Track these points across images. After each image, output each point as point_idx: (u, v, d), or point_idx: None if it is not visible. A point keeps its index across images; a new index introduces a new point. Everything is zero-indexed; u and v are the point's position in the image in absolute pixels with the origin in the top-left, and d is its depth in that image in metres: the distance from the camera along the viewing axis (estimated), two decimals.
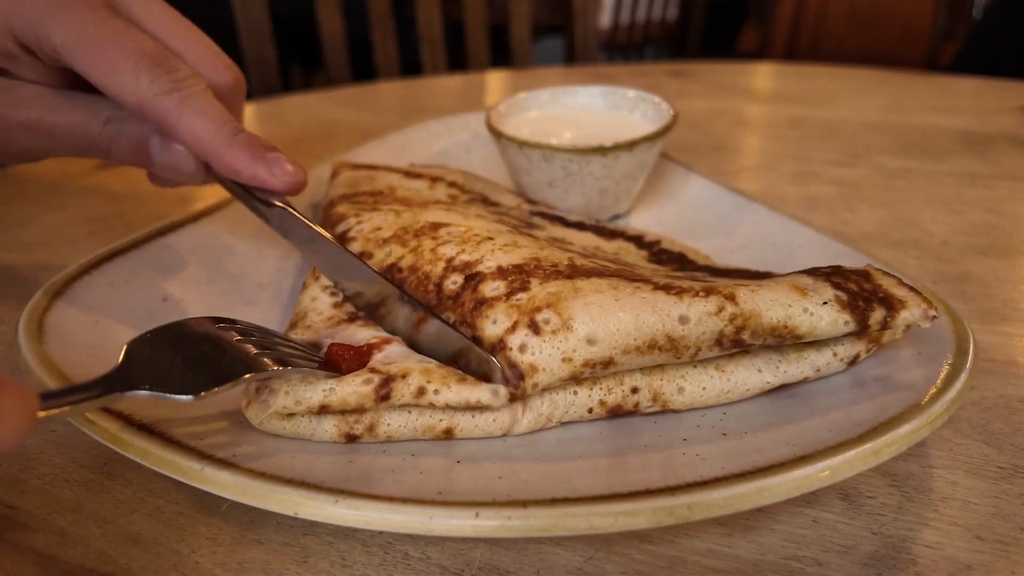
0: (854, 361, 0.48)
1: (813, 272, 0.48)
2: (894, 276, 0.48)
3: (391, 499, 0.37)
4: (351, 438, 0.44)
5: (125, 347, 0.42)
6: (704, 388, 0.47)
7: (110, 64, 0.48)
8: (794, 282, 0.46)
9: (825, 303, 0.45)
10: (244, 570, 0.40)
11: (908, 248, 0.75)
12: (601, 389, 0.46)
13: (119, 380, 0.39)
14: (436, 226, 0.56)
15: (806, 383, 0.48)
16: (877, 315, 0.45)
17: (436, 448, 0.44)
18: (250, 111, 1.29)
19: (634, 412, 0.47)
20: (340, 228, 0.60)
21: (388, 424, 0.44)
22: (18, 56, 0.52)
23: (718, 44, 3.87)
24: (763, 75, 1.51)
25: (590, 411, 0.46)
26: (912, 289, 0.47)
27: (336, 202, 0.65)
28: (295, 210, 0.53)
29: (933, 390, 0.42)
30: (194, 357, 0.42)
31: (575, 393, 0.46)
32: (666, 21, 3.79)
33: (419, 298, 0.50)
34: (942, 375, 0.44)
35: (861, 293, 0.46)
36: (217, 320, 0.46)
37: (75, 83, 0.53)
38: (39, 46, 0.49)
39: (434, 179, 0.75)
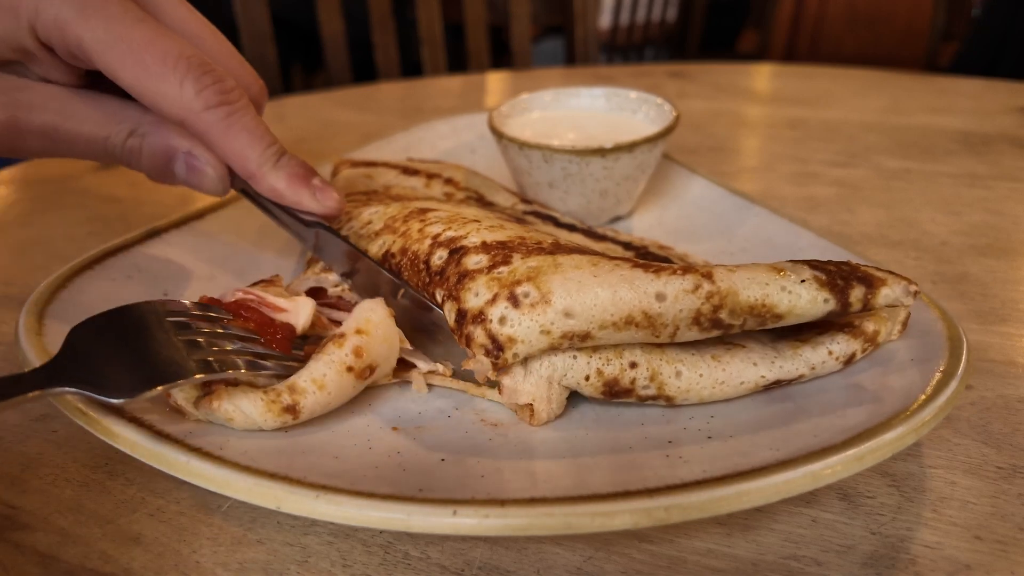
0: (850, 361, 0.48)
1: (793, 260, 0.48)
2: (873, 265, 0.48)
3: (371, 495, 0.37)
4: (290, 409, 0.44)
5: (67, 335, 0.42)
6: (701, 375, 0.47)
7: (150, 70, 0.46)
8: (773, 263, 0.46)
9: (803, 281, 0.45)
10: (245, 570, 0.40)
11: (907, 248, 0.75)
12: (600, 358, 0.47)
13: (49, 376, 0.39)
14: (424, 210, 0.57)
15: (801, 383, 0.48)
16: (857, 292, 0.45)
17: (422, 446, 0.45)
18: None
19: (630, 391, 0.47)
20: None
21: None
22: (36, 54, 0.48)
23: (718, 45, 3.87)
24: (762, 76, 1.51)
25: (587, 378, 0.47)
26: (891, 272, 0.47)
27: None
28: (334, 231, 0.55)
29: (923, 397, 0.42)
30: (135, 351, 0.42)
31: (575, 357, 0.46)
32: (666, 22, 3.79)
33: (410, 277, 0.51)
34: (933, 381, 0.43)
35: (840, 272, 0.46)
36: (171, 305, 0.46)
37: (92, 83, 0.51)
38: (64, 45, 0.46)
39: (431, 175, 0.75)
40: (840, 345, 0.48)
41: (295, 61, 2.69)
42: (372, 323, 0.48)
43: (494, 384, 0.48)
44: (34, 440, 0.50)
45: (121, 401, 0.39)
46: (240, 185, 0.55)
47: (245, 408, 0.43)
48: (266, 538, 0.42)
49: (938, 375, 0.44)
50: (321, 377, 0.45)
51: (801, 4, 2.96)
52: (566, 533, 0.36)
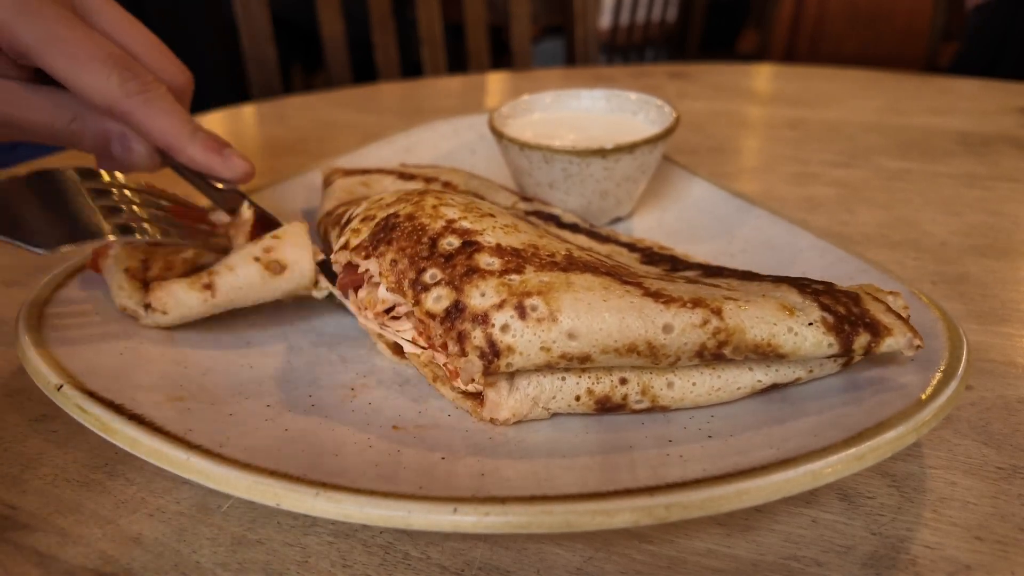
0: (848, 363, 0.48)
1: (804, 289, 0.48)
2: (883, 302, 0.48)
3: (371, 493, 0.37)
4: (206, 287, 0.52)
5: None
6: (694, 384, 0.47)
7: (81, 66, 0.53)
8: (783, 300, 0.46)
9: (811, 324, 0.45)
10: (245, 570, 0.40)
11: (907, 249, 0.75)
12: (589, 377, 0.47)
13: None
14: (444, 188, 0.56)
15: (798, 384, 0.48)
16: (862, 340, 0.45)
17: (421, 444, 0.45)
18: (251, 112, 1.29)
19: (623, 406, 0.47)
20: (333, 235, 0.60)
21: None
22: None
23: (718, 46, 3.88)
24: (762, 76, 1.51)
25: (577, 399, 0.47)
26: (899, 317, 0.47)
27: (331, 212, 0.65)
28: (245, 195, 0.64)
29: (923, 397, 0.42)
30: (56, 210, 0.47)
31: (563, 379, 0.46)
32: (666, 22, 3.79)
33: (409, 249, 0.49)
34: (934, 382, 0.43)
35: (848, 316, 0.46)
36: (95, 175, 0.53)
37: (40, 78, 0.56)
38: (9, 46, 0.52)
39: (428, 180, 0.74)
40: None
41: (295, 61, 2.70)
42: (287, 231, 0.57)
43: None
44: (34, 440, 0.50)
45: (44, 251, 0.44)
46: (169, 162, 0.62)
47: (176, 293, 0.52)
48: (266, 538, 0.42)
49: (938, 375, 0.44)
50: (232, 262, 0.54)
51: (801, 4, 2.96)
52: (566, 531, 0.36)
